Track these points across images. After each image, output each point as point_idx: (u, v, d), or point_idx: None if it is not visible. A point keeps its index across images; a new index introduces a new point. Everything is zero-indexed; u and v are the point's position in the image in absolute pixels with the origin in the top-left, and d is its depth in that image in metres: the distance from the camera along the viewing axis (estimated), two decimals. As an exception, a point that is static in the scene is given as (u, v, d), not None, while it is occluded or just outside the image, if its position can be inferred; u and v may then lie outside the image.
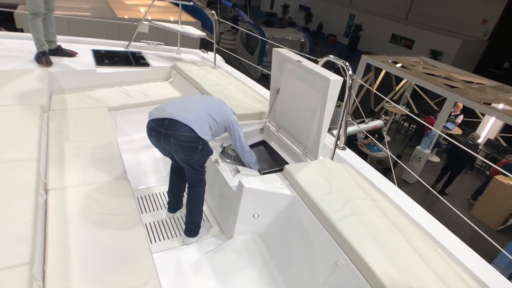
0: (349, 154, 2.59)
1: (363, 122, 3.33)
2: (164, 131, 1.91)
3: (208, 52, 4.58)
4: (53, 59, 3.30)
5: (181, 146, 1.93)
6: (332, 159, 2.52)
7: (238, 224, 2.24)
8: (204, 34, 4.29)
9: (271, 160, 2.76)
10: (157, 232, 2.34)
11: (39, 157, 2.04)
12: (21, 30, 5.87)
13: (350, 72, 2.30)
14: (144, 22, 4.02)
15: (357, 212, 1.95)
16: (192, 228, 2.24)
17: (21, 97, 2.56)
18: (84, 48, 3.78)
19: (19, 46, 3.55)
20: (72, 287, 1.50)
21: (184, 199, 2.50)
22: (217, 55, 4.24)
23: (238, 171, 2.49)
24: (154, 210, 2.51)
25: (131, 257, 1.70)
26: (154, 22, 4.11)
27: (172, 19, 7.64)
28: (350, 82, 2.29)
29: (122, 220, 1.92)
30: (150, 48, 4.34)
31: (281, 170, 2.36)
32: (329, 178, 2.21)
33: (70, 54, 3.49)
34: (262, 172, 2.56)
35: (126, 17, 7.11)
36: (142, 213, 2.46)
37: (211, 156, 2.24)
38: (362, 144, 6.28)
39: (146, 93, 3.49)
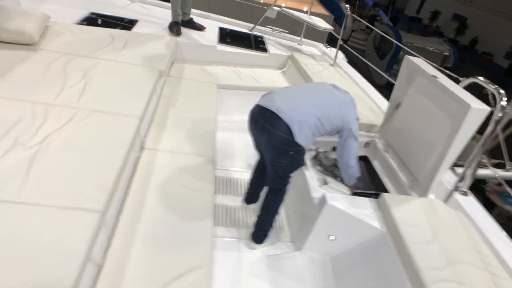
0: (470, 201, 2.09)
1: (502, 167, 2.65)
2: (262, 122, 1.80)
3: (331, 48, 4.37)
4: (183, 30, 3.64)
5: (273, 145, 1.79)
6: (446, 202, 2.07)
7: (310, 239, 2.06)
8: (332, 28, 4.10)
9: (368, 181, 2.45)
10: (225, 216, 2.35)
11: (143, 116, 2.24)
12: (167, 0, 6.76)
13: (504, 102, 1.81)
14: (274, 8, 4.06)
15: (462, 280, 1.53)
16: (258, 234, 2.14)
17: (146, 59, 2.88)
18: (213, 24, 4.05)
19: (160, 13, 4.03)
20: (133, 244, 1.59)
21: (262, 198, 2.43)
22: (340, 53, 4.00)
23: (326, 183, 2.27)
24: (230, 194, 2.53)
25: (192, 234, 1.72)
26: (283, 9, 4.11)
27: (305, 9, 7.61)
28: (500, 115, 1.81)
29: (196, 196, 1.97)
30: (272, 34, 4.38)
31: (376, 196, 2.05)
32: (435, 225, 1.81)
33: (199, 28, 3.79)
34: (353, 191, 2.29)
35: (261, 1, 7.41)
36: (217, 193, 2.49)
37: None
38: (492, 190, 5.14)
39: (257, 78, 3.54)
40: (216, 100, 2.93)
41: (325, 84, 2.06)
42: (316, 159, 2.45)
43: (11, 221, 1.39)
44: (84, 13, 3.64)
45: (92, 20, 3.53)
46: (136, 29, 3.52)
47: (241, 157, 2.90)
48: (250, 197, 2.42)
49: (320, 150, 2.51)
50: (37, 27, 2.75)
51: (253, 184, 2.36)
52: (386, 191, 2.32)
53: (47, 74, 2.39)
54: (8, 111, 1.98)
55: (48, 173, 1.64)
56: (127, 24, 3.59)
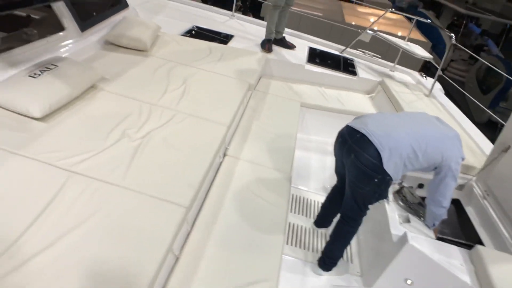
0: None
1: None
2: (350, 143, 1.77)
3: (427, 78, 4.13)
4: (274, 47, 3.83)
5: (357, 167, 1.73)
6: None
7: (383, 277, 1.94)
8: (431, 56, 3.89)
9: (457, 228, 2.23)
10: (294, 236, 2.35)
11: (230, 125, 2.41)
12: (262, 18, 7.16)
13: None
14: (368, 31, 4.03)
15: None
16: (326, 261, 2.09)
17: (237, 72, 3.10)
18: (303, 44, 4.18)
19: (254, 30, 4.32)
20: (207, 244, 1.71)
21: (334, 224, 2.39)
22: (437, 83, 3.77)
23: (408, 221, 2.13)
24: (301, 214, 2.53)
25: (263, 246, 1.77)
26: (378, 33, 4.05)
27: (399, 34, 7.36)
28: None
29: (271, 209, 2.03)
30: (363, 58, 4.33)
31: (468, 247, 1.85)
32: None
33: (290, 46, 3.94)
34: (439, 235, 2.10)
35: (353, 23, 7.39)
36: (289, 211, 2.52)
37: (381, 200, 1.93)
38: None
39: (343, 100, 3.52)
40: (299, 118, 3.00)
41: (426, 114, 1.95)
42: (400, 193, 2.32)
43: (115, 201, 1.62)
44: (188, 26, 4.08)
45: (194, 32, 3.94)
46: (231, 43, 3.82)
47: (317, 178, 2.89)
48: (322, 221, 2.39)
49: (405, 185, 2.38)
50: (150, 36, 3.17)
51: (327, 209, 2.33)
52: (480, 243, 2.08)
53: (154, 78, 2.74)
54: (120, 106, 2.31)
55: (147, 165, 1.86)
56: (224, 38, 3.92)
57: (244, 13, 7.88)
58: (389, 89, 3.54)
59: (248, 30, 4.33)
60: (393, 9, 4.78)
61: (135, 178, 1.77)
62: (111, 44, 3.11)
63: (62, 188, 1.63)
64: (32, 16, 2.95)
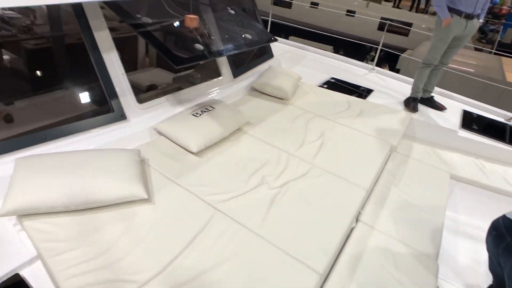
0: None
1: None
2: (511, 242, 1.47)
3: None
4: (420, 107, 3.55)
5: None
6: None
7: None
8: None
9: None
10: None
11: (370, 189, 2.25)
12: (397, 71, 6.84)
13: None
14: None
15: None
16: None
17: (378, 131, 2.95)
18: (454, 106, 3.77)
19: (395, 85, 4.13)
20: None
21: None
22: None
23: None
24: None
25: None
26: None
27: None
28: None
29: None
30: None
31: None
32: None
33: (439, 107, 3.59)
34: None
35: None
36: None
37: None
38: None
39: (510, 180, 2.94)
40: (447, 191, 2.63)
41: None
42: None
43: (252, 248, 1.65)
44: (326, 77, 4.18)
45: (332, 84, 4.00)
46: (371, 98, 3.72)
47: (468, 272, 2.43)
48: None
49: None
50: (292, 86, 3.34)
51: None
52: None
53: (292, 127, 2.83)
54: (261, 151, 2.43)
55: (283, 218, 1.86)
56: (363, 92, 3.85)
57: (378, 65, 7.74)
58: None
59: (389, 85, 4.18)
60: None
61: (271, 229, 1.78)
62: (255, 91, 3.40)
63: (208, 223, 1.75)
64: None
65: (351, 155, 2.55)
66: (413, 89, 3.55)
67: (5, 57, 3.88)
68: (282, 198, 2.00)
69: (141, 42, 4.59)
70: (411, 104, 3.49)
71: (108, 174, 1.76)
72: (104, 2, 2.07)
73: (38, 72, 3.41)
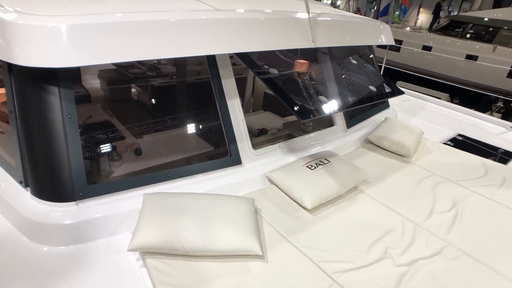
0: None
1: None
2: None
3: None
4: None
5: None
6: None
7: None
8: None
9: None
10: None
11: None
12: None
13: None
14: None
15: None
16: None
17: None
18: None
19: None
20: None
21: None
22: None
23: None
24: None
25: None
26: None
27: None
28: None
29: None
30: None
31: None
32: None
33: None
34: None
35: None
36: None
37: None
38: None
39: None
40: None
41: None
42: None
43: None
44: (451, 133, 3.79)
45: (459, 142, 3.59)
46: None
47: None
48: None
49: None
50: (414, 143, 3.07)
51: None
52: None
53: (416, 191, 2.56)
54: (381, 217, 2.22)
55: None
56: (502, 155, 3.36)
57: (504, 117, 6.81)
58: None
59: None
60: None
61: None
62: (370, 143, 3.23)
63: None
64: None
65: (495, 236, 2.16)
66: None
67: (133, 90, 4.48)
68: (411, 280, 1.75)
69: (249, 84, 4.88)
70: None
71: (228, 223, 1.79)
72: (236, 54, 2.22)
73: (163, 108, 3.83)
